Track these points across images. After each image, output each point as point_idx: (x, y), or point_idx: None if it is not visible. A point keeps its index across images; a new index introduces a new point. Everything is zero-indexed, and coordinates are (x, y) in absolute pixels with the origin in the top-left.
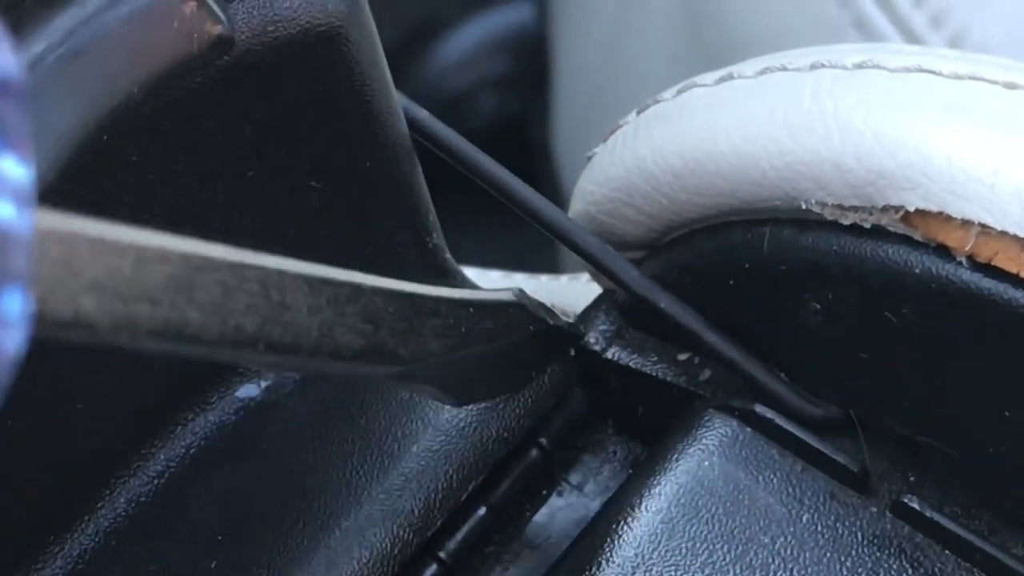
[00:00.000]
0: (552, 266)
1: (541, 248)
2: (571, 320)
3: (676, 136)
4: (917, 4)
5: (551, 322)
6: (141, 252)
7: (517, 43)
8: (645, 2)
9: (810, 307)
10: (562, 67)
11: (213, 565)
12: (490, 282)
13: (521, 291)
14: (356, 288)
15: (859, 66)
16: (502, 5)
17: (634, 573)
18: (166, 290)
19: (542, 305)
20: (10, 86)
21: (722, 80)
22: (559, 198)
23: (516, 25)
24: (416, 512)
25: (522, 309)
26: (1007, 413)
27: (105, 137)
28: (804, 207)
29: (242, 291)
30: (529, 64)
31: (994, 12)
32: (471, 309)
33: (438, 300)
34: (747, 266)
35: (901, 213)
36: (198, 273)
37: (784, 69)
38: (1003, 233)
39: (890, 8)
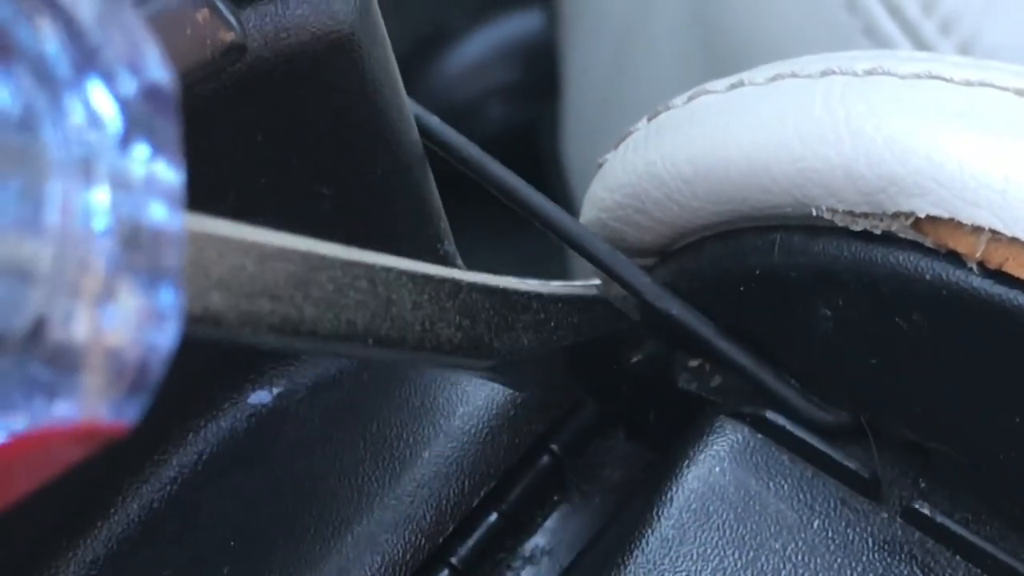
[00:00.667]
0: (562, 272)
1: (551, 254)
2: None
3: (687, 142)
4: (927, 11)
5: (634, 319)
6: (263, 251)
7: (527, 51)
8: (654, 10)
9: (821, 313)
10: (572, 74)
11: (225, 571)
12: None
13: (602, 286)
14: (456, 283)
15: (869, 72)
16: (512, 13)
17: None
18: (285, 287)
19: (626, 301)
20: (163, 94)
21: (733, 87)
22: (569, 205)
23: (526, 33)
24: (428, 518)
25: (607, 305)
26: (1017, 419)
27: None
28: (815, 213)
29: (353, 287)
30: (539, 72)
31: (1004, 18)
32: (560, 304)
33: (530, 295)
34: (758, 273)
35: (912, 219)
36: (314, 271)
37: (795, 76)
38: (1014, 239)
39: (899, 15)
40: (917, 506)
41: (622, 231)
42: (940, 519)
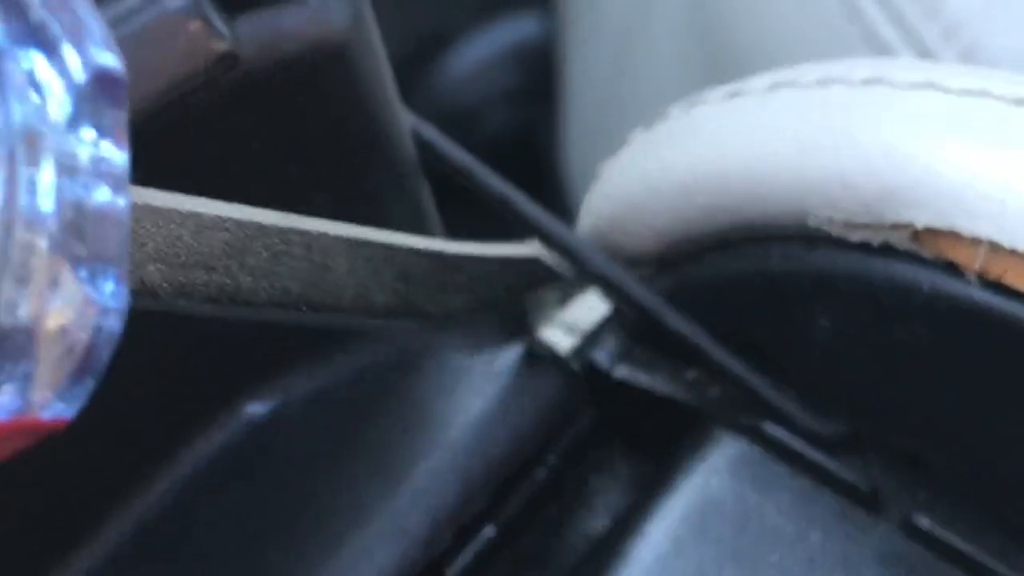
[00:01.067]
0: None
1: None
2: (579, 337)
3: (685, 153)
4: (929, 16)
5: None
6: (200, 220)
7: (526, 54)
8: (653, 15)
9: (819, 324)
10: (571, 78)
11: None
12: None
13: (541, 247)
14: (390, 247)
15: (867, 82)
16: (511, 16)
17: None
18: (221, 257)
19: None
20: (111, 78)
21: (730, 96)
22: (567, 210)
23: (525, 36)
24: (424, 531)
25: (543, 266)
26: (1017, 430)
27: None
28: (813, 224)
29: (288, 255)
30: (538, 75)
31: (1006, 23)
32: (496, 266)
33: (463, 257)
34: (755, 283)
35: (910, 230)
36: (250, 239)
37: (793, 85)
38: (1013, 251)
39: (901, 22)
40: (917, 519)
41: (619, 241)
42: (940, 532)
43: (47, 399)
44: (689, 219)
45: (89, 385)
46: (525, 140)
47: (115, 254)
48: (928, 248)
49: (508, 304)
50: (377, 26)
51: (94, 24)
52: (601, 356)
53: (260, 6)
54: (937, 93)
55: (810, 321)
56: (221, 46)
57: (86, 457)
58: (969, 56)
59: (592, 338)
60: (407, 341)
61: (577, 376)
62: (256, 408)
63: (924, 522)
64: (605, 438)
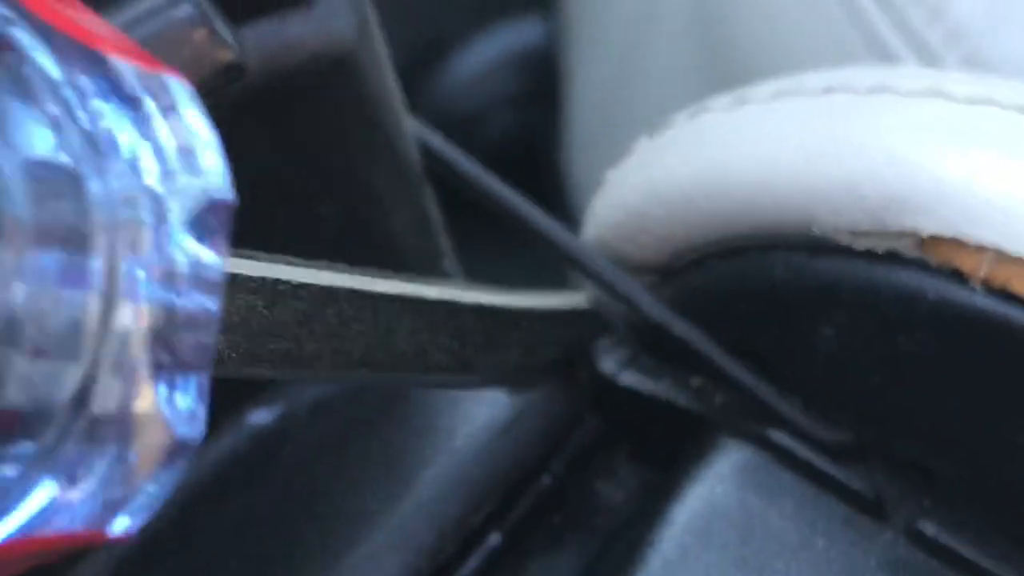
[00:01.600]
0: (562, 284)
1: (551, 271)
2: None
3: (689, 162)
4: (932, 21)
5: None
6: (276, 290)
7: (528, 60)
8: (658, 20)
9: (823, 332)
10: (574, 84)
11: None
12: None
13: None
14: (451, 307)
15: (872, 90)
16: (512, 22)
17: None
18: (291, 325)
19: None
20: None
21: (735, 104)
22: (571, 217)
23: (527, 42)
24: (429, 539)
25: (595, 316)
26: (1021, 438)
27: None
28: (817, 232)
29: (356, 319)
30: (539, 81)
31: (1009, 30)
32: (549, 319)
33: (520, 312)
34: (760, 291)
35: (915, 238)
36: (322, 307)
37: (797, 93)
38: (1018, 258)
39: (904, 27)
40: (922, 526)
41: (624, 249)
42: (945, 539)
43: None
44: (693, 227)
45: (157, 494)
46: (528, 144)
47: (200, 363)
48: (933, 256)
49: (561, 358)
50: (381, 32)
51: (206, 134)
52: (607, 363)
53: (265, 15)
54: (942, 101)
55: (815, 329)
56: (227, 55)
57: None
58: (971, 61)
59: (598, 346)
60: None
61: (583, 383)
62: (260, 416)
63: (929, 529)
64: (611, 445)
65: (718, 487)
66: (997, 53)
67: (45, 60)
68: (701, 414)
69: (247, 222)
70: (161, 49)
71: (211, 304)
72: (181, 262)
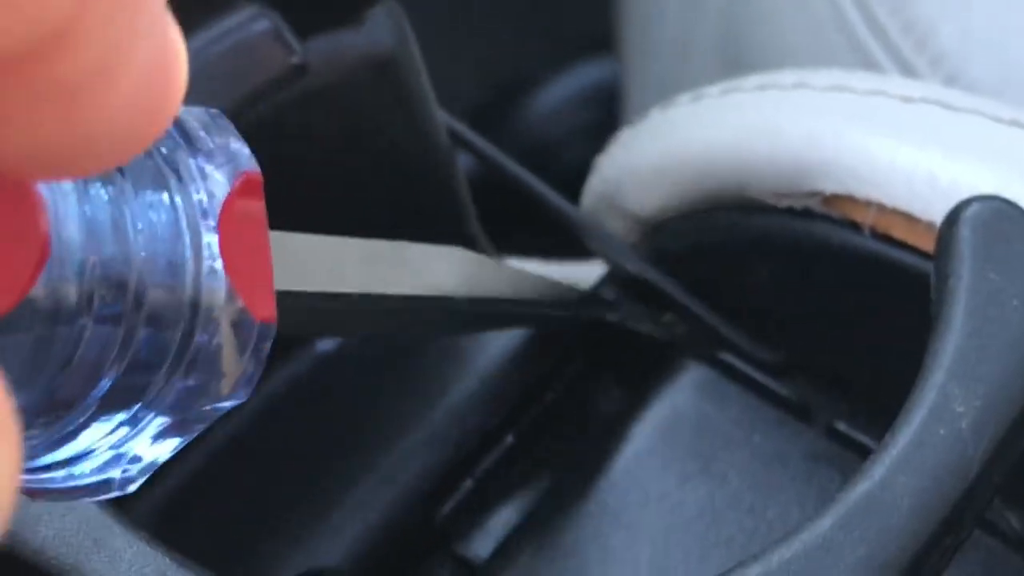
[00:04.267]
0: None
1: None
2: (583, 292)
3: (659, 142)
4: (918, 51)
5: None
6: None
7: (598, 96)
8: (693, 50)
9: (759, 274)
10: (629, 117)
11: (291, 484)
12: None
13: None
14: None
15: (831, 88)
16: (584, 62)
17: (622, 482)
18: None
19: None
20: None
21: (694, 100)
22: None
23: (597, 80)
24: (456, 438)
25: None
26: (906, 346)
27: None
28: (751, 195)
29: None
30: (610, 115)
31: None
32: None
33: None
34: (710, 244)
35: (821, 197)
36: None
37: (739, 89)
38: (895, 210)
39: (897, 55)
40: (839, 426)
41: (609, 214)
42: (856, 435)
43: None
44: (660, 195)
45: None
46: None
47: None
48: (835, 211)
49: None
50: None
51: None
52: (598, 305)
53: (325, 30)
54: (846, 94)
55: (752, 271)
56: (294, 59)
57: None
58: (952, 82)
59: (592, 291)
60: None
61: (580, 321)
62: (325, 344)
63: (843, 427)
64: (600, 369)
65: (679, 397)
66: (973, 75)
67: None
68: (669, 342)
69: (308, 202)
70: (244, 54)
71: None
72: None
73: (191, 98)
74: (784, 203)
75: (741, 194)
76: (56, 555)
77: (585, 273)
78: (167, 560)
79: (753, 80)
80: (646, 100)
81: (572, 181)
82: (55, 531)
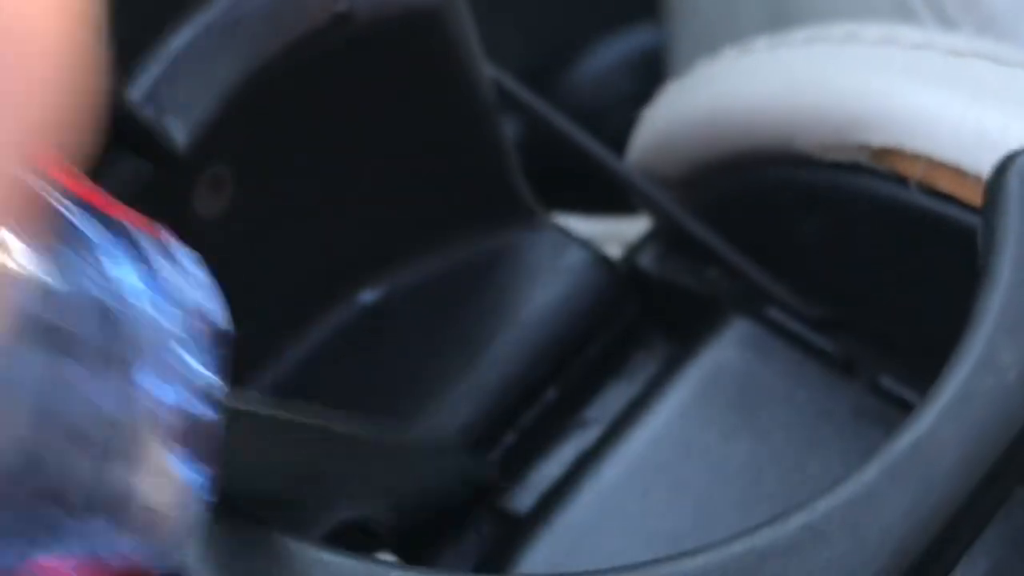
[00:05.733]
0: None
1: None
2: (626, 246)
3: (705, 96)
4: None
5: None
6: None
7: (644, 62)
8: (740, 7)
9: (805, 229)
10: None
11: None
12: (573, 225)
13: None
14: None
15: (881, 41)
16: (631, 29)
17: (665, 437)
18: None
19: None
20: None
21: (741, 53)
22: None
23: (642, 46)
24: (499, 392)
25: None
26: (953, 302)
27: (254, 92)
28: (799, 148)
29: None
30: (655, 82)
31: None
32: None
33: None
34: (757, 197)
35: (870, 151)
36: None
37: (787, 43)
38: (942, 163)
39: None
40: (884, 382)
41: (657, 166)
42: (899, 390)
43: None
44: (708, 147)
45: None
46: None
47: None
48: (883, 164)
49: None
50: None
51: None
52: (643, 260)
53: None
54: (895, 47)
55: (799, 226)
56: (341, 7)
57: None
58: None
59: (637, 246)
60: (492, 244)
61: (624, 276)
62: (368, 296)
63: (887, 383)
64: (645, 324)
65: (724, 352)
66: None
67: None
68: (714, 297)
69: (355, 147)
70: (287, 2)
71: (216, 416)
72: (196, 376)
73: (235, 48)
74: (832, 156)
75: (788, 147)
76: None
77: (630, 228)
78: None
79: (802, 34)
80: (692, 58)
81: (617, 147)
82: None
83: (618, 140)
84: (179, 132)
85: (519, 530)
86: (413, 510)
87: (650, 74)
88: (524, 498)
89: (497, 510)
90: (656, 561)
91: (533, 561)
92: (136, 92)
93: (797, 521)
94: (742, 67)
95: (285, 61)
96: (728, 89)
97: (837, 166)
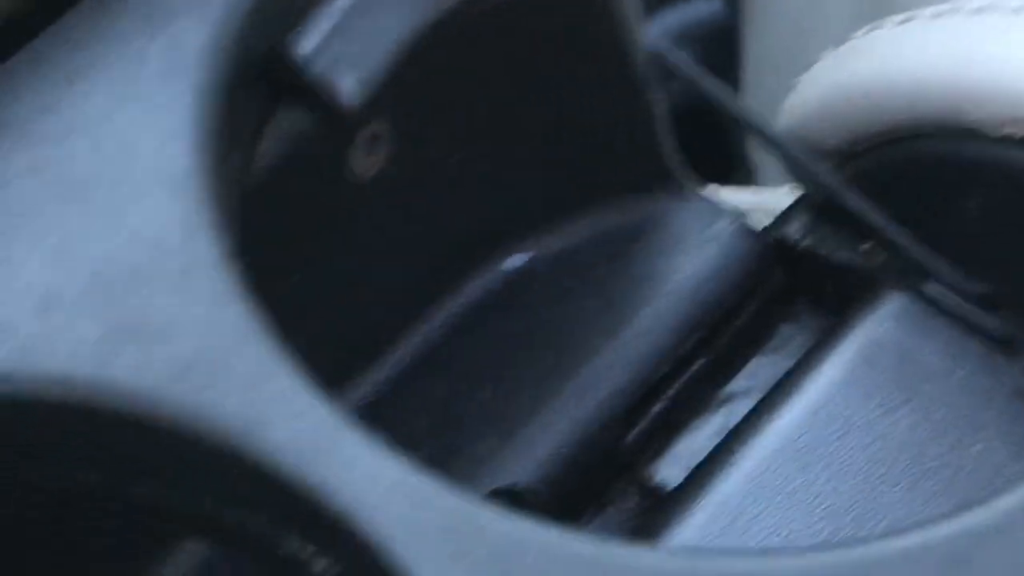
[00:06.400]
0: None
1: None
2: (774, 216)
3: (866, 65)
4: None
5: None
6: None
7: (706, 33)
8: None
9: (967, 205)
10: (750, 58)
11: (478, 400)
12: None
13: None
14: None
15: (1016, 10)
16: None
17: (821, 412)
18: None
19: None
20: None
21: (904, 22)
22: (749, 168)
23: (705, 17)
24: (647, 362)
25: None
26: None
27: (420, 50)
28: (965, 122)
29: None
30: (717, 53)
31: None
32: None
33: None
34: (918, 171)
35: None
36: None
37: (955, 12)
38: None
39: None
40: None
41: (810, 136)
42: None
43: None
44: (866, 119)
45: None
46: (706, 110)
47: None
48: None
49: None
50: None
51: None
52: (791, 231)
53: None
54: None
55: (962, 201)
56: None
57: (379, 298)
58: None
59: (784, 217)
60: (639, 211)
61: (771, 246)
62: (514, 262)
63: None
64: (792, 297)
65: (880, 327)
66: None
67: None
68: (869, 271)
69: (498, 109)
70: None
71: None
72: None
73: (403, 4)
74: (1005, 131)
75: (956, 120)
76: (287, 460)
77: (778, 200)
78: (404, 467)
79: (974, 2)
80: (768, 39)
81: (679, 117)
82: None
83: (680, 111)
84: (348, 87)
85: (667, 504)
86: (556, 480)
87: (712, 45)
88: (671, 472)
89: (642, 483)
90: (863, 540)
91: (683, 538)
92: (304, 47)
93: (979, 516)
94: (907, 36)
95: (451, 19)
96: (892, 58)
97: (1006, 141)
